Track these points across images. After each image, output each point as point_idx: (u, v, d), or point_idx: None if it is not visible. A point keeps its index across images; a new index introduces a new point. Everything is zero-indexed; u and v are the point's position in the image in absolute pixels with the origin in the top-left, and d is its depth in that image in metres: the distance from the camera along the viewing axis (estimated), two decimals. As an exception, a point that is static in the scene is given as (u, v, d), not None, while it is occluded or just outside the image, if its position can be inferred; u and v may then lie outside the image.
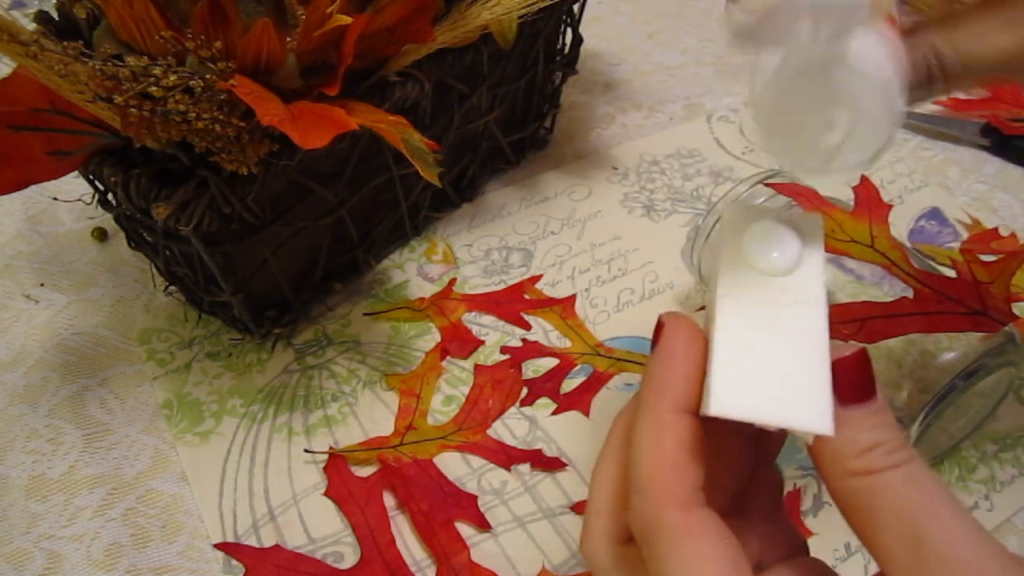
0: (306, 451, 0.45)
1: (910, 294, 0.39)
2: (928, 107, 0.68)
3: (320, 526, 0.42)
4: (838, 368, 0.23)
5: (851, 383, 0.23)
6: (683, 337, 0.25)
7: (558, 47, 0.60)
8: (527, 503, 0.43)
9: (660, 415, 0.24)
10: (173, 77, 0.34)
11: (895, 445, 0.22)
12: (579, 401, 0.47)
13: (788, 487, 0.44)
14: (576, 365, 0.49)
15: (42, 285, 0.54)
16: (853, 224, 0.42)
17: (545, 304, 0.53)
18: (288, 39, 0.39)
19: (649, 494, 0.23)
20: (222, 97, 0.35)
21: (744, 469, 0.28)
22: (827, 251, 0.42)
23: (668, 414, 0.24)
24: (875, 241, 0.41)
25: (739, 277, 0.25)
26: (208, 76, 0.35)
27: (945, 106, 0.67)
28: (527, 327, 0.51)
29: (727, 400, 0.23)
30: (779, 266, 0.25)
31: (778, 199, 0.45)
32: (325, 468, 0.44)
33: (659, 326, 0.25)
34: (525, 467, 0.44)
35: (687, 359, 0.24)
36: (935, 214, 0.59)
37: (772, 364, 0.23)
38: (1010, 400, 0.47)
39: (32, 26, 0.40)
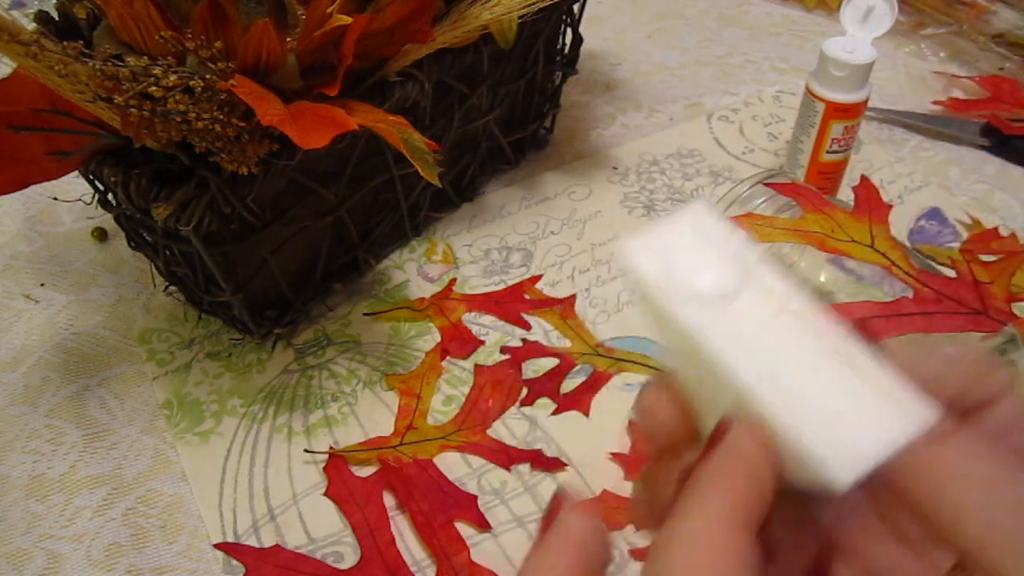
0: (306, 451, 0.45)
1: (910, 294, 0.39)
2: (928, 107, 0.68)
3: (320, 526, 0.42)
4: None
5: None
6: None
7: (558, 47, 0.60)
8: (527, 503, 0.43)
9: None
10: (173, 77, 0.34)
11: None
12: (579, 401, 0.47)
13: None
14: (576, 365, 0.49)
15: (42, 285, 0.54)
16: (853, 224, 0.42)
17: (545, 304, 0.53)
18: (288, 39, 0.39)
19: None
20: (222, 97, 0.35)
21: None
22: (827, 251, 0.42)
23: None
24: (875, 241, 0.41)
25: (704, 316, 0.20)
26: (208, 76, 0.35)
27: (945, 106, 0.67)
28: (527, 327, 0.51)
29: (846, 456, 0.18)
30: (726, 283, 0.21)
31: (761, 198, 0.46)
32: (325, 468, 0.44)
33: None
34: (525, 467, 0.44)
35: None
36: (935, 214, 0.59)
37: (834, 387, 0.19)
38: (1010, 400, 0.47)
39: (32, 26, 0.40)
